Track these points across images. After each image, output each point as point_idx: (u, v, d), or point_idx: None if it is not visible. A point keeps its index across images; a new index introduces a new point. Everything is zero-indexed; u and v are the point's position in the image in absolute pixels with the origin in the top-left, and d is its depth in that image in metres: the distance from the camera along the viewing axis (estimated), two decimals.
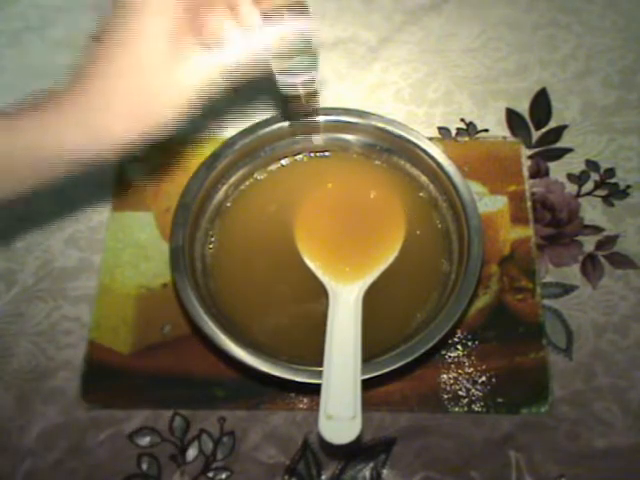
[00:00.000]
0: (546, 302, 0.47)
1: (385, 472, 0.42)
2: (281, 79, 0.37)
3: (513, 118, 0.54)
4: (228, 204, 0.47)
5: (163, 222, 0.49)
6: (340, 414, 0.35)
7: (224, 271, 0.45)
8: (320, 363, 0.37)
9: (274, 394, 0.44)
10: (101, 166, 0.34)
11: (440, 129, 0.53)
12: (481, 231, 0.42)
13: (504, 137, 0.53)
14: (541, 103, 0.54)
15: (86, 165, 0.34)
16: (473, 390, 0.44)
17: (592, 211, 0.50)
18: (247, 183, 0.47)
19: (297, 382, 0.38)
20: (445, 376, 0.44)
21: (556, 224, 0.49)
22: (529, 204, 0.49)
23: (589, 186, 0.51)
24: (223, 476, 0.42)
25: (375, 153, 0.47)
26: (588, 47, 0.57)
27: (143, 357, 0.45)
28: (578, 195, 0.51)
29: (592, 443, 0.43)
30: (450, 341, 0.45)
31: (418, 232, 0.45)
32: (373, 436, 0.43)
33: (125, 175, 0.51)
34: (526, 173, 0.51)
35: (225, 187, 0.46)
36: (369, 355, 0.38)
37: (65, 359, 0.46)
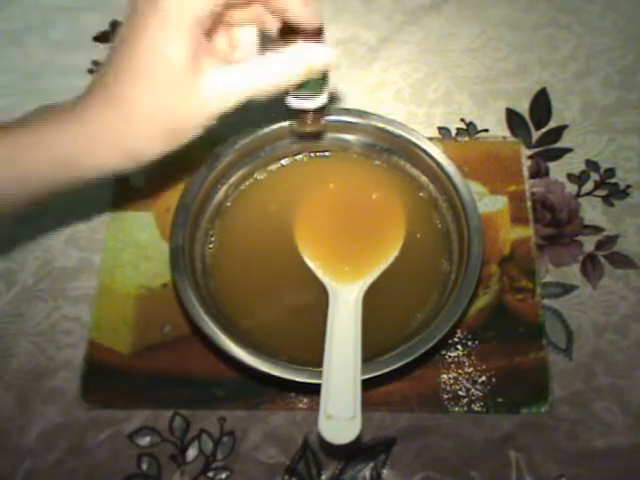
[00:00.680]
0: (546, 302, 0.47)
1: (385, 472, 0.42)
2: (291, 101, 0.37)
3: (513, 118, 0.54)
4: (228, 204, 0.47)
5: (163, 222, 0.49)
6: (340, 414, 0.35)
7: (224, 271, 0.45)
8: (320, 363, 0.37)
9: (274, 394, 0.44)
10: None
11: (440, 129, 0.53)
12: (481, 231, 0.42)
13: (504, 137, 0.53)
14: (541, 103, 0.54)
15: (101, 178, 0.34)
16: (473, 390, 0.44)
17: (592, 211, 0.50)
18: (247, 183, 0.47)
19: (297, 382, 0.38)
20: (445, 376, 0.44)
21: (556, 224, 0.49)
22: (529, 204, 0.49)
23: (589, 186, 0.51)
24: (223, 476, 0.42)
25: (375, 153, 0.47)
26: (588, 47, 0.57)
27: (143, 357, 0.45)
28: (578, 195, 0.51)
29: (592, 443, 0.43)
30: (450, 341, 0.45)
31: (418, 232, 0.45)
32: (373, 436, 0.43)
33: (125, 175, 0.51)
34: (526, 173, 0.51)
35: (225, 187, 0.46)
36: (369, 355, 0.38)
37: (65, 359, 0.46)
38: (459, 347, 0.45)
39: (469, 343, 0.45)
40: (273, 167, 0.48)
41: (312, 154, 0.48)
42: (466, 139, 0.53)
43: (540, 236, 0.49)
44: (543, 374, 0.44)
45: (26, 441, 0.43)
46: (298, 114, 0.39)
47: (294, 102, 0.37)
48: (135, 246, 0.49)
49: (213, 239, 0.46)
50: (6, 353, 0.46)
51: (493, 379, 0.44)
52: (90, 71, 0.56)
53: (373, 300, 0.41)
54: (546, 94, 0.55)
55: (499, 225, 0.49)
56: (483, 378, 0.44)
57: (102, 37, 0.58)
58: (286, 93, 0.37)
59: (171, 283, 0.47)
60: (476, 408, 0.43)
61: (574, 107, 0.54)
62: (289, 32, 0.34)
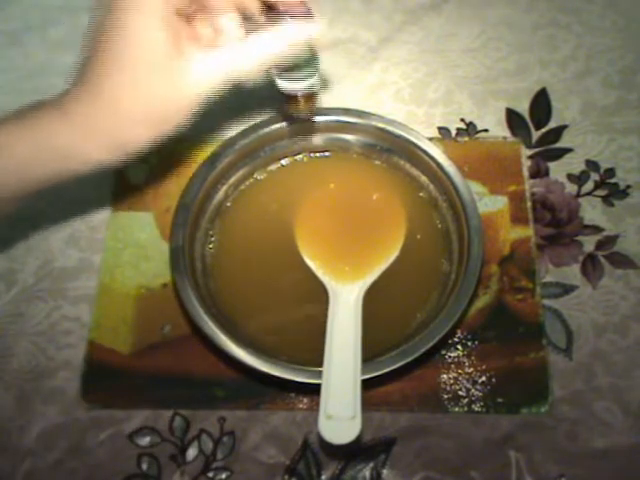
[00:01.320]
0: (546, 302, 0.47)
1: (385, 472, 0.42)
2: (281, 84, 0.37)
3: (513, 118, 0.54)
4: (228, 204, 0.47)
5: (163, 222, 0.49)
6: (340, 414, 0.35)
7: (224, 271, 0.45)
8: (320, 363, 0.37)
9: (274, 394, 0.44)
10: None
11: (440, 129, 0.53)
12: (481, 231, 0.42)
13: (504, 137, 0.53)
14: (541, 103, 0.54)
15: (91, 171, 0.34)
16: (473, 390, 0.44)
17: (592, 211, 0.50)
18: (247, 183, 0.47)
19: (297, 382, 0.38)
20: (445, 376, 0.44)
21: (556, 224, 0.49)
22: (529, 204, 0.49)
23: (589, 186, 0.51)
24: (223, 476, 0.42)
25: (375, 153, 0.47)
26: (588, 47, 0.57)
27: (143, 357, 0.45)
28: (578, 195, 0.51)
29: (592, 443, 0.43)
30: (450, 341, 0.45)
31: (418, 232, 0.45)
32: (373, 436, 0.43)
33: (125, 175, 0.51)
34: (526, 173, 0.51)
35: (225, 187, 0.46)
36: (369, 355, 0.38)
37: (65, 359, 0.46)
38: (459, 347, 0.45)
39: (469, 343, 0.45)
40: (273, 167, 0.48)
41: (312, 154, 0.48)
42: (466, 139, 0.53)
43: (540, 236, 0.49)
44: (543, 374, 0.44)
45: (26, 441, 0.43)
46: (290, 97, 0.38)
47: (284, 84, 0.37)
48: (135, 246, 0.49)
49: (213, 239, 0.46)
50: (6, 353, 0.46)
51: (493, 379, 0.44)
52: None
53: (373, 300, 0.41)
54: (546, 94, 0.55)
55: (499, 225, 0.49)
56: (483, 378, 0.44)
57: None
58: (277, 76, 0.36)
59: (171, 283, 0.47)
60: (476, 408, 0.43)
61: (574, 107, 0.54)
62: (273, 12, 0.33)
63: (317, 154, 0.48)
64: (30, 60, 0.57)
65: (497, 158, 0.51)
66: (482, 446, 0.43)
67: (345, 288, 0.42)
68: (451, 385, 0.44)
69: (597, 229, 0.49)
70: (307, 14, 0.33)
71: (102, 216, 0.50)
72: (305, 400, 0.44)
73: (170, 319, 0.46)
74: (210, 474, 0.42)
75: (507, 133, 0.53)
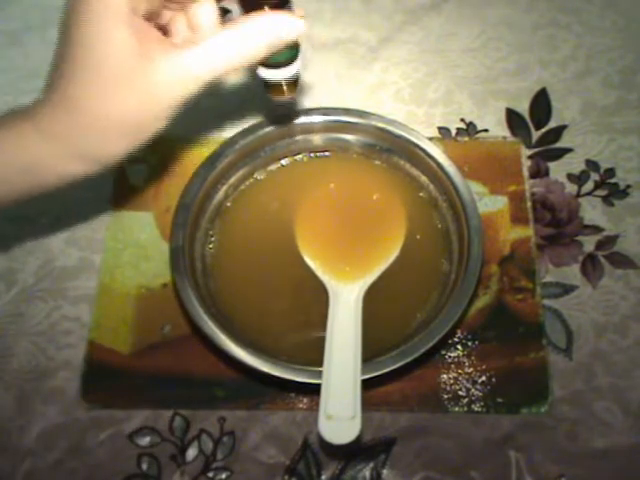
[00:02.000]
0: (546, 302, 0.47)
1: (385, 472, 0.42)
2: (263, 73, 0.35)
3: (513, 118, 0.54)
4: (228, 204, 0.47)
5: (163, 222, 0.49)
6: (340, 414, 0.35)
7: (224, 271, 0.45)
8: (320, 363, 0.37)
9: (274, 394, 0.44)
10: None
11: (440, 129, 0.53)
12: (481, 231, 0.42)
13: (504, 137, 0.53)
14: (541, 103, 0.54)
15: (66, 185, 0.33)
16: (473, 390, 0.44)
17: (592, 211, 0.50)
18: (247, 183, 0.48)
19: (297, 382, 0.38)
20: (445, 376, 0.44)
21: (556, 224, 0.49)
22: (529, 204, 0.49)
23: (589, 186, 0.51)
24: (223, 476, 0.42)
25: (375, 153, 0.47)
26: (588, 47, 0.57)
27: (143, 357, 0.45)
28: (578, 195, 0.51)
29: (592, 443, 0.43)
30: (450, 341, 0.45)
31: (418, 232, 0.45)
32: (373, 436, 0.43)
33: (125, 175, 0.51)
34: (526, 173, 0.51)
35: (225, 187, 0.46)
36: (369, 355, 0.38)
37: (65, 359, 0.46)
38: (459, 347, 0.45)
39: (469, 343, 0.45)
40: (273, 167, 0.48)
41: (312, 154, 0.48)
42: (466, 139, 0.53)
43: (540, 236, 0.49)
44: (543, 374, 0.44)
45: (26, 441, 0.43)
46: (271, 84, 0.36)
47: (265, 73, 0.35)
48: (135, 246, 0.49)
49: (213, 239, 0.46)
50: (6, 353, 0.46)
51: (493, 379, 0.44)
52: None
53: (373, 300, 0.41)
54: (546, 94, 0.55)
55: (499, 225, 0.49)
56: (483, 378, 0.44)
57: None
58: (258, 65, 0.34)
59: (171, 283, 0.47)
60: (476, 408, 0.43)
61: (574, 107, 0.54)
62: (251, 4, 0.31)
63: (317, 154, 0.48)
64: (30, 60, 0.57)
65: (497, 158, 0.51)
66: (482, 446, 0.43)
67: (345, 288, 0.42)
68: (451, 385, 0.44)
69: (597, 229, 0.49)
70: (286, 5, 0.31)
71: (102, 216, 0.50)
72: (305, 400, 0.44)
73: (170, 319, 0.46)
74: (210, 474, 0.42)
75: (507, 133, 0.53)
